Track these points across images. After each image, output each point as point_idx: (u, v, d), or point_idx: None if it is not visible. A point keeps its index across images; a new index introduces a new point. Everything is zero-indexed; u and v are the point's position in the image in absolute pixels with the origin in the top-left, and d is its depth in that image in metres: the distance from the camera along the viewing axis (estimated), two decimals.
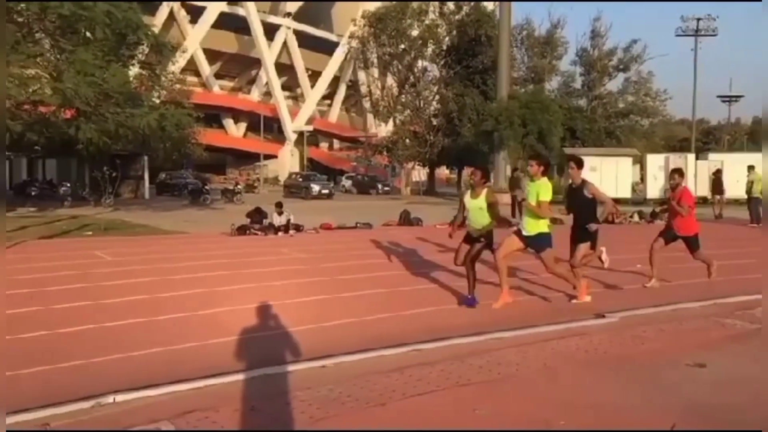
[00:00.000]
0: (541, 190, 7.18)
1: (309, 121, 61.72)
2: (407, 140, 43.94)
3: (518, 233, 7.39)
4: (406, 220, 18.95)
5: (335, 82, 68.94)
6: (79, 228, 17.45)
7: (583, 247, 7.79)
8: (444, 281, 8.89)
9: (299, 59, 66.03)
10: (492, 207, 7.40)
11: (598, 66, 45.27)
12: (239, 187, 35.90)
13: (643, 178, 35.42)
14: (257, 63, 64.84)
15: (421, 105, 44.65)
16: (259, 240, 15.01)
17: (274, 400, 4.32)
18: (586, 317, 6.80)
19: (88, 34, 17.86)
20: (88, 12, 16.91)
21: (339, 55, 64.26)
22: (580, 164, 7.97)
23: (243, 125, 68.13)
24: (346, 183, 49.28)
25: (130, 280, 9.15)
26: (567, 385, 4.74)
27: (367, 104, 53.23)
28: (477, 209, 7.46)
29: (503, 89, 35.69)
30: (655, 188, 31.08)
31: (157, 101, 24.66)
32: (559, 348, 5.64)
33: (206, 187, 33.08)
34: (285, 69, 65.72)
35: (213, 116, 59.82)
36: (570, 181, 8.22)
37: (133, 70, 24.81)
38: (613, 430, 3.88)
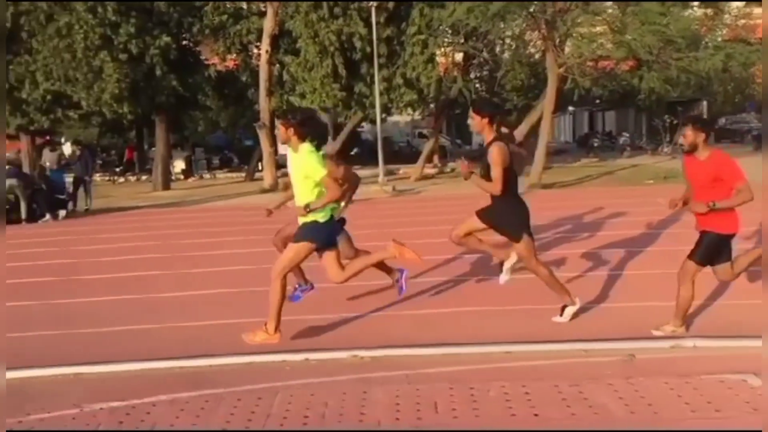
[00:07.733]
0: (307, 165, 4.72)
1: None
2: None
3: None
4: None
5: None
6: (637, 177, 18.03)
7: (519, 247, 5.06)
8: None
9: None
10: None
11: None
12: None
13: None
14: None
15: None
16: None
17: None
18: None
19: None
20: None
21: None
22: (486, 111, 4.96)
23: None
24: None
25: None
26: None
27: None
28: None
29: None
30: None
31: (719, 40, 22.99)
32: None
33: None
34: None
35: None
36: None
37: (696, 11, 23.76)
38: None
